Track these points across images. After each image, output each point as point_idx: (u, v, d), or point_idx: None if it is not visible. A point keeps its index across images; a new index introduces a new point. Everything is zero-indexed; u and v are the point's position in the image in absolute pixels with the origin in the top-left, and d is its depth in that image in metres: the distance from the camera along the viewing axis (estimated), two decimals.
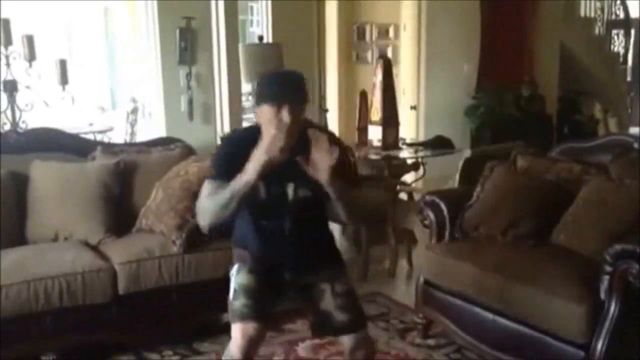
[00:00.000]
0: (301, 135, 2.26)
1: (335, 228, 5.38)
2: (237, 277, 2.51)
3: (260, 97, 2.35)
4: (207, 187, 2.40)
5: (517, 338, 3.04)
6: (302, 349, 3.53)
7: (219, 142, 5.15)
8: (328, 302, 2.49)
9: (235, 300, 2.46)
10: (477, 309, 3.23)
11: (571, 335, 2.80)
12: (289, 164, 2.22)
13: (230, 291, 2.52)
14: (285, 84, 2.35)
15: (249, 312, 2.40)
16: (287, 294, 2.56)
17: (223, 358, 2.50)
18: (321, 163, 2.21)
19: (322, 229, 2.62)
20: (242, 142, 2.37)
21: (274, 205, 2.42)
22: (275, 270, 2.51)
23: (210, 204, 2.34)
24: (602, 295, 2.75)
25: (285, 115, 2.24)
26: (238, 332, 2.39)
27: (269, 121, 2.27)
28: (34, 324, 3.16)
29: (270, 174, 2.24)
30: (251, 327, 2.38)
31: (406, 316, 3.88)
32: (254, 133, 2.34)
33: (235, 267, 2.56)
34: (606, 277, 2.74)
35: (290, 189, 2.41)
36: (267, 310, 2.45)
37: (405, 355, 3.48)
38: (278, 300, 2.53)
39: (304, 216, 2.46)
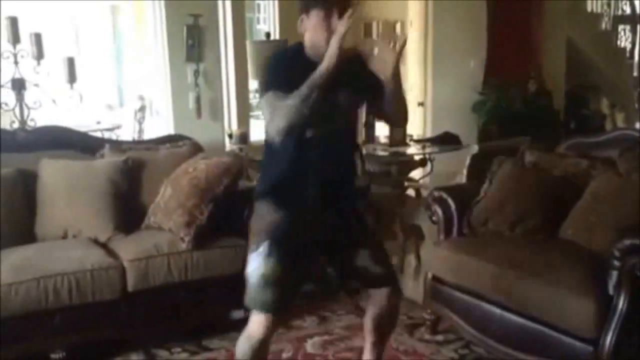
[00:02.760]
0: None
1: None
2: (265, 265, 2.38)
3: (307, 2, 2.36)
4: (274, 95, 2.30)
5: (526, 333, 3.03)
6: (310, 345, 3.54)
7: (227, 139, 5.18)
8: (362, 257, 2.51)
9: (261, 289, 2.39)
10: (486, 305, 3.23)
11: (580, 330, 2.79)
12: (342, 71, 2.26)
13: (253, 274, 2.41)
14: None
15: (274, 305, 2.38)
16: (318, 260, 2.56)
17: (238, 344, 2.48)
18: (388, 55, 2.29)
19: (351, 160, 2.56)
20: (290, 58, 2.42)
21: (326, 112, 2.34)
22: (304, 203, 2.43)
23: (288, 102, 2.24)
24: (611, 290, 2.74)
25: (336, 20, 2.27)
26: (258, 323, 2.39)
27: (318, 26, 2.31)
28: (43, 321, 3.17)
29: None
30: (271, 318, 2.39)
31: (414, 312, 3.88)
32: (298, 50, 2.39)
33: (263, 246, 2.40)
34: (614, 272, 2.73)
35: (341, 94, 2.40)
36: (291, 301, 2.46)
37: (413, 350, 3.49)
38: (307, 276, 2.54)
39: (345, 123, 2.49)
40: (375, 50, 2.30)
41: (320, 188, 2.43)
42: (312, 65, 2.28)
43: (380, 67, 2.31)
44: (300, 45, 2.43)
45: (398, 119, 2.62)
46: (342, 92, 2.39)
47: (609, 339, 2.69)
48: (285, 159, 2.43)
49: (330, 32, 2.27)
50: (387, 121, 2.81)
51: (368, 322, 2.64)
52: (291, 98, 2.24)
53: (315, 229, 2.46)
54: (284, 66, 2.42)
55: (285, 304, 2.44)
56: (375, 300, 2.58)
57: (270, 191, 2.49)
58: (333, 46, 2.22)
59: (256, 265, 2.42)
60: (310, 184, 2.43)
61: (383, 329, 2.66)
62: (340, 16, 2.25)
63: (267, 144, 2.48)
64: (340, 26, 2.22)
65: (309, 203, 2.44)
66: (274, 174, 2.49)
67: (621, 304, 2.70)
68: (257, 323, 2.41)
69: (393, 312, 2.63)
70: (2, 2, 4.76)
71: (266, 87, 2.37)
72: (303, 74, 2.25)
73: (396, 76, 2.34)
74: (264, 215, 2.47)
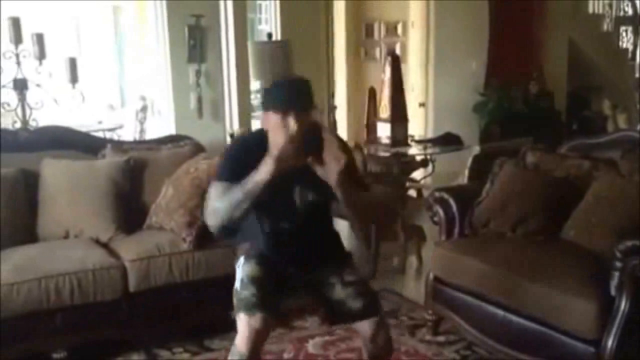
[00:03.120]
0: (312, 137, 2.26)
1: (344, 225, 5.39)
2: (245, 267, 2.51)
3: (267, 103, 2.38)
4: (215, 188, 2.39)
5: (528, 334, 3.03)
6: (312, 346, 3.53)
7: (228, 139, 5.18)
8: (339, 292, 2.51)
9: (243, 290, 2.45)
10: (487, 306, 3.22)
11: (581, 332, 2.79)
12: (298, 168, 2.25)
13: (237, 281, 2.51)
14: (292, 90, 2.37)
15: (257, 302, 2.39)
16: (294, 290, 2.56)
17: (230, 356, 2.45)
18: (331, 165, 2.23)
19: (328, 228, 2.65)
20: (249, 147, 2.41)
21: (281, 209, 2.45)
22: (282, 266, 2.52)
23: (221, 205, 2.31)
24: (613, 292, 2.74)
25: (292, 123, 2.26)
26: (244, 324, 2.36)
27: (275, 127, 2.30)
28: (45, 321, 3.18)
29: (280, 176, 2.23)
30: (258, 318, 2.35)
31: (416, 313, 3.88)
32: (261, 137, 2.36)
33: (242, 258, 2.56)
34: (616, 273, 2.73)
35: (297, 192, 2.44)
36: (274, 302, 2.44)
37: (415, 351, 3.49)
38: (285, 294, 2.52)
39: (310, 218, 2.48)
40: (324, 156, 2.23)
41: (296, 266, 2.53)
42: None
43: (326, 175, 2.25)
44: (265, 133, 2.40)
45: (362, 222, 2.66)
46: (299, 190, 2.43)
47: (610, 340, 2.69)
48: (259, 235, 2.53)
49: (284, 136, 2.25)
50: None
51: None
52: (224, 200, 2.29)
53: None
54: (237, 157, 2.45)
55: (268, 303, 2.41)
56: (365, 338, 2.56)
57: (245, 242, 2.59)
58: (269, 162, 2.20)
59: (238, 274, 2.53)
60: (284, 262, 2.52)
61: None
62: (296, 120, 2.25)
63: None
64: (282, 140, 2.20)
65: (285, 271, 2.53)
66: (247, 236, 2.56)
67: (623, 305, 2.70)
68: (242, 324, 2.38)
69: (386, 346, 2.57)
70: (5, 2, 4.77)
71: (217, 173, 2.48)
72: (258, 161, 2.24)
73: (343, 185, 2.28)
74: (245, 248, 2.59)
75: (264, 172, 2.21)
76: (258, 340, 2.36)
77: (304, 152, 2.22)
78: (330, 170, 2.23)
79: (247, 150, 2.38)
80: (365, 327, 2.52)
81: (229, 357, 2.44)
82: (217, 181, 2.42)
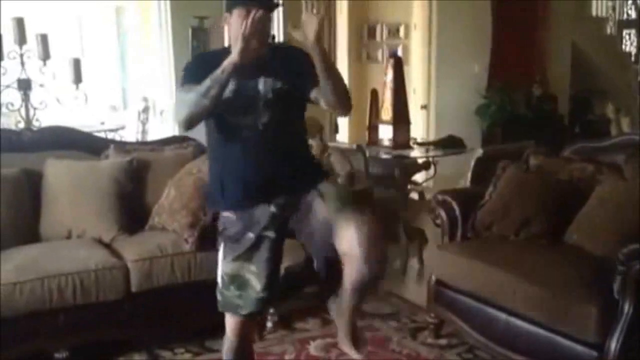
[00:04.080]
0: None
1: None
2: (224, 265, 2.49)
3: (230, 3, 2.36)
4: (180, 90, 2.39)
5: (530, 338, 3.03)
6: (313, 348, 3.53)
7: None
8: (320, 207, 2.34)
9: (225, 289, 2.49)
10: (489, 309, 3.22)
11: (584, 336, 2.78)
12: (261, 63, 2.28)
13: (218, 278, 2.52)
14: None
15: (239, 303, 2.46)
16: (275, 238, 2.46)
17: (224, 347, 2.61)
18: (309, 25, 2.22)
19: (299, 134, 2.54)
20: (211, 59, 2.37)
21: (247, 102, 2.36)
22: (257, 195, 2.40)
23: (189, 95, 2.29)
24: (616, 295, 2.74)
25: (255, 12, 2.21)
26: (232, 323, 2.50)
27: (237, 23, 2.27)
28: (47, 320, 3.18)
29: (242, 70, 2.24)
30: (242, 317, 2.48)
31: (418, 315, 3.88)
32: (223, 53, 2.35)
33: (221, 250, 2.51)
34: (619, 277, 2.73)
35: (261, 83, 2.37)
36: (258, 296, 2.44)
37: (416, 354, 3.48)
38: (275, 255, 2.46)
39: (279, 114, 2.39)
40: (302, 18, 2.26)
41: (263, 180, 2.40)
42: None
43: (305, 31, 2.23)
44: (225, 48, 2.44)
45: (338, 100, 2.41)
46: (264, 82, 2.37)
47: (613, 344, 2.69)
48: (223, 157, 2.45)
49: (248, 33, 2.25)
50: (331, 107, 2.51)
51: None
52: (192, 91, 2.27)
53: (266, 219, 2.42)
54: (199, 63, 2.46)
55: (251, 302, 2.45)
56: (353, 258, 2.26)
57: (215, 193, 2.50)
58: (237, 45, 2.21)
59: (219, 271, 2.52)
60: (251, 178, 2.40)
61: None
62: (260, 14, 2.23)
63: (208, 150, 2.58)
64: (246, 27, 2.19)
65: (254, 197, 2.42)
66: (214, 175, 2.52)
67: (626, 308, 2.70)
68: (229, 322, 2.53)
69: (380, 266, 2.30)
70: (9, 2, 4.77)
71: (180, 82, 2.44)
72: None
73: (321, 44, 2.28)
74: (219, 220, 2.54)
75: (231, 55, 2.21)
76: (245, 329, 2.52)
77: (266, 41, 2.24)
78: (308, 28, 2.22)
79: (209, 62, 2.34)
80: (354, 242, 2.21)
81: (223, 344, 2.60)
82: (181, 86, 2.40)
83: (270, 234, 2.43)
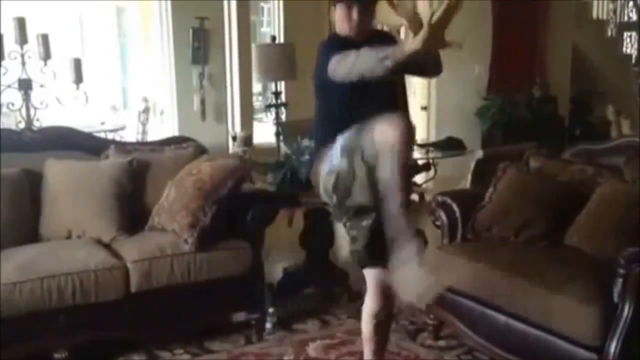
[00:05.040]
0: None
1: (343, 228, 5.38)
2: (355, 222, 2.56)
3: None
4: (343, 55, 2.44)
5: (529, 340, 3.02)
6: (312, 349, 3.53)
7: (230, 141, 5.19)
8: None
9: (356, 244, 2.57)
10: (489, 311, 3.22)
11: (584, 338, 2.78)
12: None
13: (349, 239, 2.60)
14: None
15: (374, 254, 2.52)
16: None
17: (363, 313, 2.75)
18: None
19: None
20: (335, 42, 2.61)
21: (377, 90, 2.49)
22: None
23: (364, 56, 2.35)
24: (616, 298, 2.73)
25: (355, 15, 2.55)
26: (373, 276, 2.65)
27: (340, 18, 2.59)
28: (47, 321, 3.18)
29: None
30: (380, 269, 2.56)
31: (417, 317, 3.88)
32: (338, 39, 2.63)
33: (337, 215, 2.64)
34: (619, 280, 2.72)
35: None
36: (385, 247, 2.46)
37: (415, 356, 3.48)
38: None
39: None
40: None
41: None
42: (352, 43, 2.48)
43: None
44: (330, 35, 2.74)
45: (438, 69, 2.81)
46: None
47: (613, 347, 2.69)
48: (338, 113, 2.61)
49: (350, 24, 2.58)
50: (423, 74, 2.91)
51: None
52: (367, 55, 2.34)
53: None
54: (335, 43, 2.60)
55: (379, 252, 2.48)
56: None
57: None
58: (424, 30, 2.17)
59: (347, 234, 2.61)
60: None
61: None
62: (359, 13, 2.54)
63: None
64: (440, 11, 2.16)
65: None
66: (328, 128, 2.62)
67: (626, 311, 2.69)
68: (370, 282, 2.66)
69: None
70: (10, 2, 4.77)
71: (331, 55, 2.49)
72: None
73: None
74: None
75: (411, 45, 2.22)
76: (387, 289, 2.59)
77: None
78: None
79: (335, 42, 2.58)
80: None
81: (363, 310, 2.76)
82: (340, 55, 2.46)
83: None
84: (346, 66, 2.43)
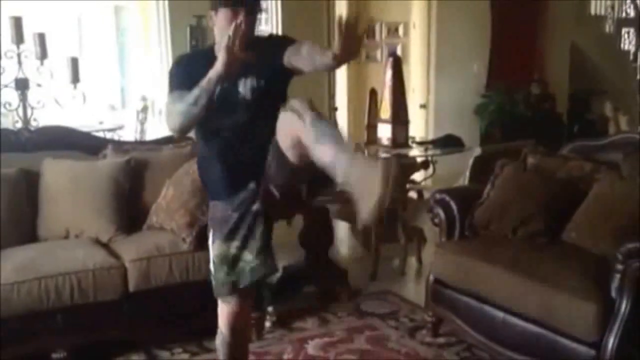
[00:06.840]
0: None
1: (343, 227, 5.39)
2: (214, 249, 2.50)
3: (216, 2, 2.38)
4: (171, 96, 2.39)
5: (528, 336, 3.03)
6: (311, 347, 3.53)
7: None
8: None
9: (216, 273, 2.49)
10: (488, 307, 3.22)
11: (582, 334, 2.79)
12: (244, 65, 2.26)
13: (210, 266, 2.53)
14: None
15: (234, 278, 2.44)
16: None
17: (217, 341, 2.62)
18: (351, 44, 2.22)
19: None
20: (196, 60, 2.43)
21: (227, 105, 2.38)
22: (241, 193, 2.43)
23: (180, 105, 2.30)
24: (613, 294, 2.74)
25: (241, 16, 2.28)
26: (224, 313, 2.52)
27: (221, 26, 2.35)
28: (45, 321, 3.18)
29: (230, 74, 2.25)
30: (236, 309, 2.50)
31: (416, 314, 3.88)
32: (206, 53, 2.41)
33: (210, 235, 2.54)
34: (617, 276, 2.73)
35: (241, 85, 2.40)
36: (253, 265, 2.42)
37: (415, 353, 3.48)
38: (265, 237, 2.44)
39: (257, 112, 2.39)
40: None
41: (241, 171, 2.42)
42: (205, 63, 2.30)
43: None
44: (211, 47, 2.47)
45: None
46: (244, 84, 2.39)
47: (611, 343, 2.69)
48: (205, 153, 2.53)
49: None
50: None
51: None
52: (182, 102, 2.29)
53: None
54: (185, 66, 2.46)
55: (246, 274, 2.43)
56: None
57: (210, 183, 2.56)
58: (222, 55, 2.20)
59: (210, 258, 2.53)
60: (228, 172, 2.44)
61: None
62: (246, 16, 2.28)
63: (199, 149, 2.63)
64: (230, 32, 2.18)
65: (234, 186, 2.44)
66: (206, 171, 2.57)
67: (624, 307, 2.70)
68: (220, 315, 2.54)
69: None
70: (6, 1, 4.77)
71: (168, 88, 2.45)
72: (205, 73, 2.26)
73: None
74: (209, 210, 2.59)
75: (216, 66, 2.21)
76: (238, 320, 2.52)
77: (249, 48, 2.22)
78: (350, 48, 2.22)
79: (191, 64, 2.41)
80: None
81: (217, 338, 2.62)
82: (171, 92, 2.40)
83: (255, 206, 2.42)
84: (169, 116, 2.37)
